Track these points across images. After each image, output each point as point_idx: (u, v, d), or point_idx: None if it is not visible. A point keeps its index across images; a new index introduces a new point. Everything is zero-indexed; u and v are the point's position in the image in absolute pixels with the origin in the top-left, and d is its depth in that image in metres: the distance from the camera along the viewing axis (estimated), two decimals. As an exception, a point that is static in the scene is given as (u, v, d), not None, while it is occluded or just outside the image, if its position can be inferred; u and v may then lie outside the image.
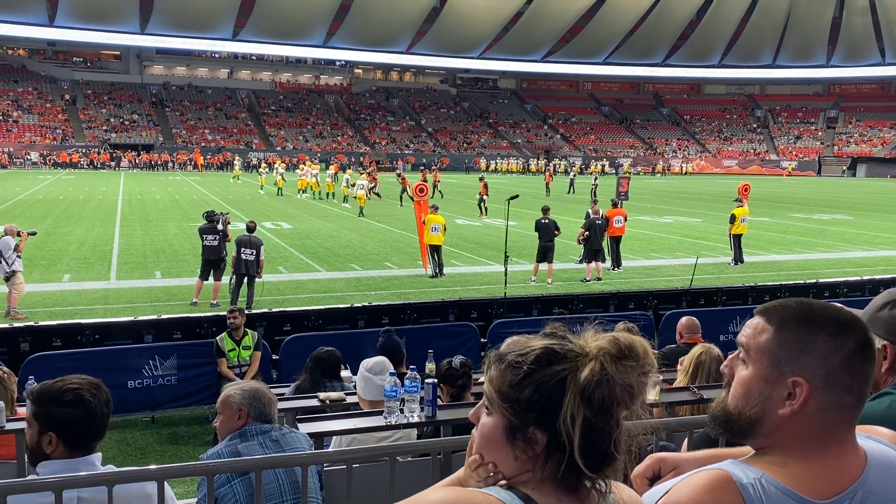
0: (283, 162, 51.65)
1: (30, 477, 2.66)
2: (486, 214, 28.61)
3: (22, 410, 5.14)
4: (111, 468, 2.68)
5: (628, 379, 1.21)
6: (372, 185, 38.42)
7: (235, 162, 56.39)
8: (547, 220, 16.18)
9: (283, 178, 39.61)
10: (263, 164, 43.32)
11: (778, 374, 1.30)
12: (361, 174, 31.89)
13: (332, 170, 41.38)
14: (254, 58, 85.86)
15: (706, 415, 1.55)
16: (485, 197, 29.31)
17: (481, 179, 30.97)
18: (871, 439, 1.38)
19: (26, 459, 4.64)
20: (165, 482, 2.72)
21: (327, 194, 37.56)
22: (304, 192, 38.47)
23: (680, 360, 5.15)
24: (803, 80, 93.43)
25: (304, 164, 45.07)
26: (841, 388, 1.27)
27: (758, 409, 1.31)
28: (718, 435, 1.45)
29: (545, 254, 15.98)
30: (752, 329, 1.36)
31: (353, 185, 29.78)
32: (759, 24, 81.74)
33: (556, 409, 1.20)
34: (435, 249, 16.18)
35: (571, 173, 51.18)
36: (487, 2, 73.71)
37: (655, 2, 77.20)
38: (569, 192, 43.64)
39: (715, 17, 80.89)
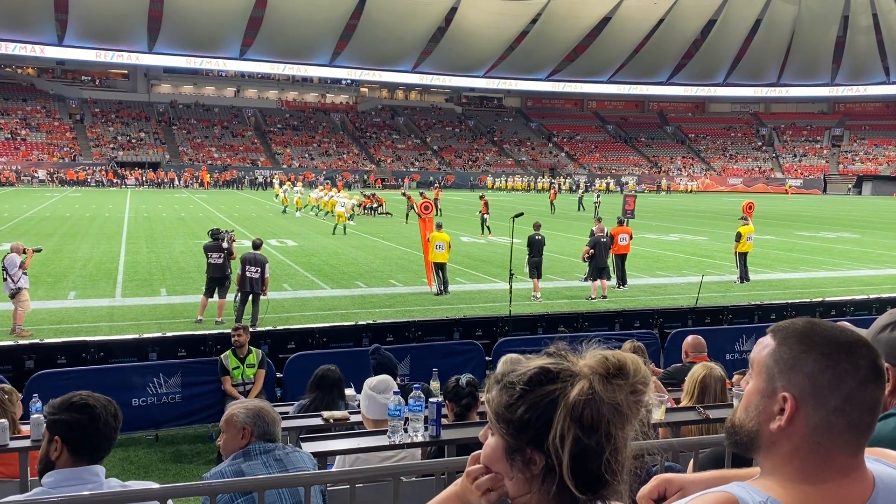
0: (290, 180, 51.72)
1: (33, 492, 2.66)
2: (491, 233, 28.42)
3: (26, 429, 5.13)
4: (115, 481, 2.68)
5: (616, 398, 1.21)
6: (378, 206, 38.65)
7: (275, 181, 56.45)
8: (540, 237, 16.26)
9: (286, 197, 39.66)
10: (288, 183, 43.16)
11: (772, 388, 1.30)
12: (343, 193, 31.74)
13: (327, 189, 41.22)
14: (260, 76, 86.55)
15: (712, 435, 1.54)
16: (486, 216, 29.08)
17: (482, 198, 30.81)
18: (878, 462, 1.36)
19: (30, 475, 4.64)
20: (168, 501, 2.71)
21: (326, 212, 37.55)
22: (299, 210, 38.50)
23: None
24: (808, 99, 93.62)
25: (298, 182, 45.15)
26: (829, 409, 1.25)
27: (755, 423, 1.31)
28: (728, 447, 1.45)
29: (538, 269, 16.03)
30: (759, 344, 1.37)
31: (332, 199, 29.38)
32: (764, 43, 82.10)
33: (550, 430, 1.20)
34: (440, 267, 16.18)
35: (580, 192, 51.27)
36: (492, 21, 74.23)
37: (660, 21, 77.66)
38: (578, 210, 43.80)
39: (719, 36, 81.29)
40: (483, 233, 28.58)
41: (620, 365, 1.23)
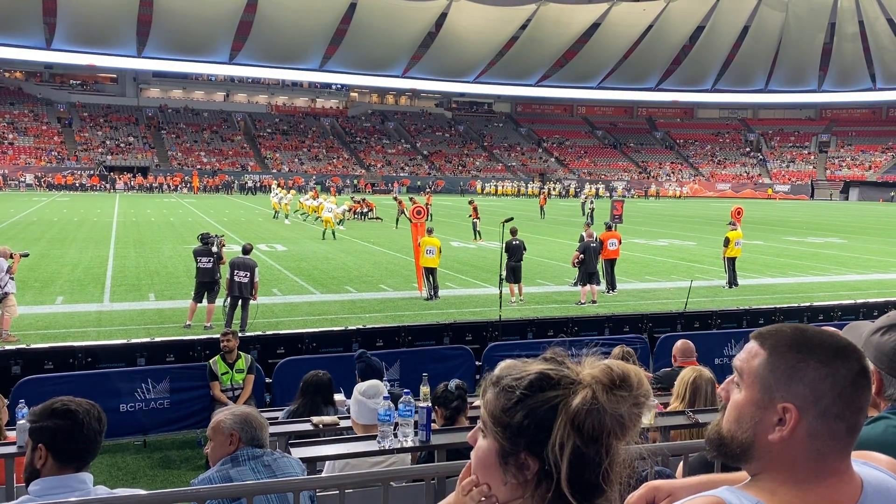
0: (281, 186, 51.14)
1: (20, 500, 2.62)
2: (481, 238, 28.36)
3: (11, 435, 5.08)
4: (102, 489, 2.65)
5: (619, 409, 1.20)
6: (368, 210, 38.64)
7: (274, 187, 54.12)
8: (517, 242, 16.31)
9: (280, 203, 39.36)
10: (282, 189, 41.85)
11: (769, 399, 1.28)
12: (331, 199, 31.62)
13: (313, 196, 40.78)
14: (250, 81, 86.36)
15: (702, 440, 1.54)
16: (476, 221, 29.07)
17: (471, 202, 30.78)
18: (867, 465, 1.36)
19: (16, 482, 4.60)
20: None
21: (316, 218, 37.35)
22: (277, 215, 38.23)
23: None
24: (795, 105, 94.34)
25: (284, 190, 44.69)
26: (831, 416, 1.25)
27: (749, 434, 1.30)
28: (714, 458, 1.44)
29: (515, 273, 16.07)
30: (747, 353, 1.35)
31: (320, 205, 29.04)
32: (752, 50, 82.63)
33: (547, 436, 1.19)
34: (430, 272, 16.17)
35: (582, 196, 51.39)
36: (482, 27, 74.37)
37: (649, 27, 78.04)
38: (583, 215, 43.57)
39: (708, 43, 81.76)
40: (476, 238, 28.50)
41: (625, 376, 1.22)
